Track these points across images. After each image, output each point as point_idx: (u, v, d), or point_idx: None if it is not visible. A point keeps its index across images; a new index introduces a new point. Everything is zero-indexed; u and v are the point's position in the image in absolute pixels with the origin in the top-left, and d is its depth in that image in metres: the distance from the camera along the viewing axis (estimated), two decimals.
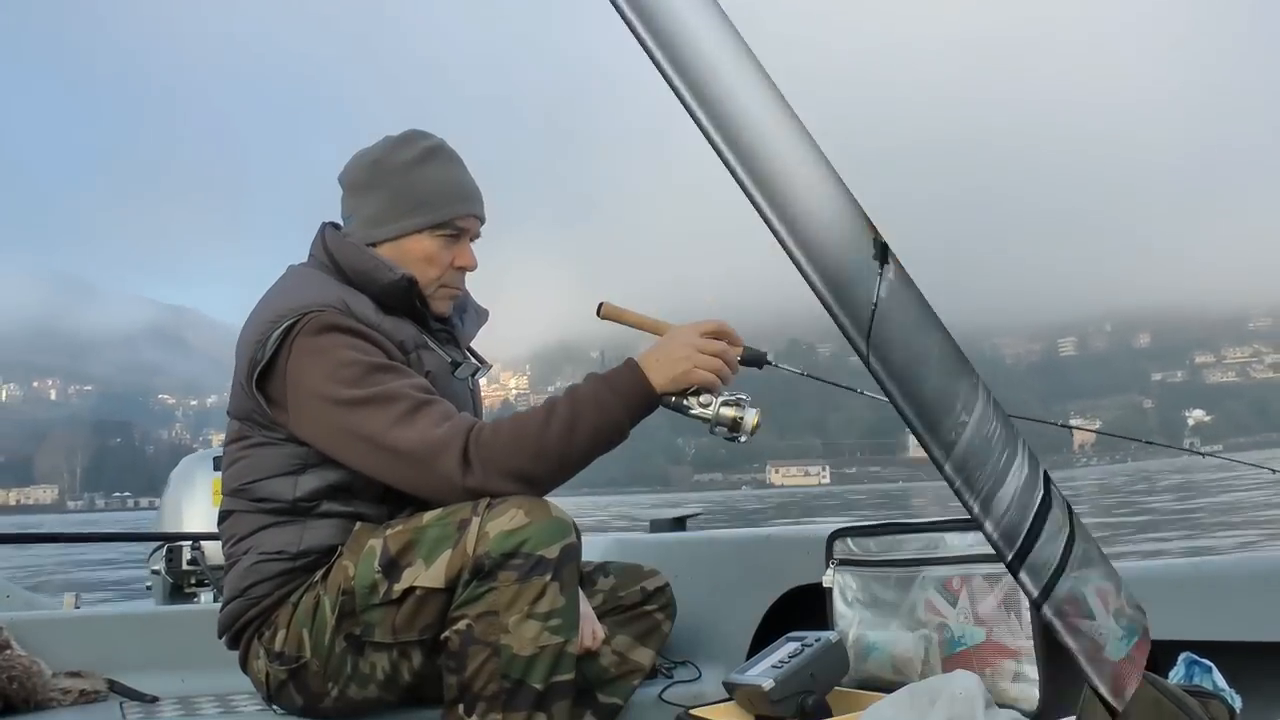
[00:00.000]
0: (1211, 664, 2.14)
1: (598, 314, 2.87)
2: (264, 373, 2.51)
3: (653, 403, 2.48)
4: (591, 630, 2.77)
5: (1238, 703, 2.03)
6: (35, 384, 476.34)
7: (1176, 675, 2.14)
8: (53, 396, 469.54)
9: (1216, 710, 1.85)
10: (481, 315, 2.95)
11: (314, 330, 2.49)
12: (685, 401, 2.49)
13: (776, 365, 2.85)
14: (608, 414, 2.43)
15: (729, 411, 2.49)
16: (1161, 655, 2.34)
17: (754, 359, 2.68)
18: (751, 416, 2.50)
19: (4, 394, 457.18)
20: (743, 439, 2.51)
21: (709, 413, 2.49)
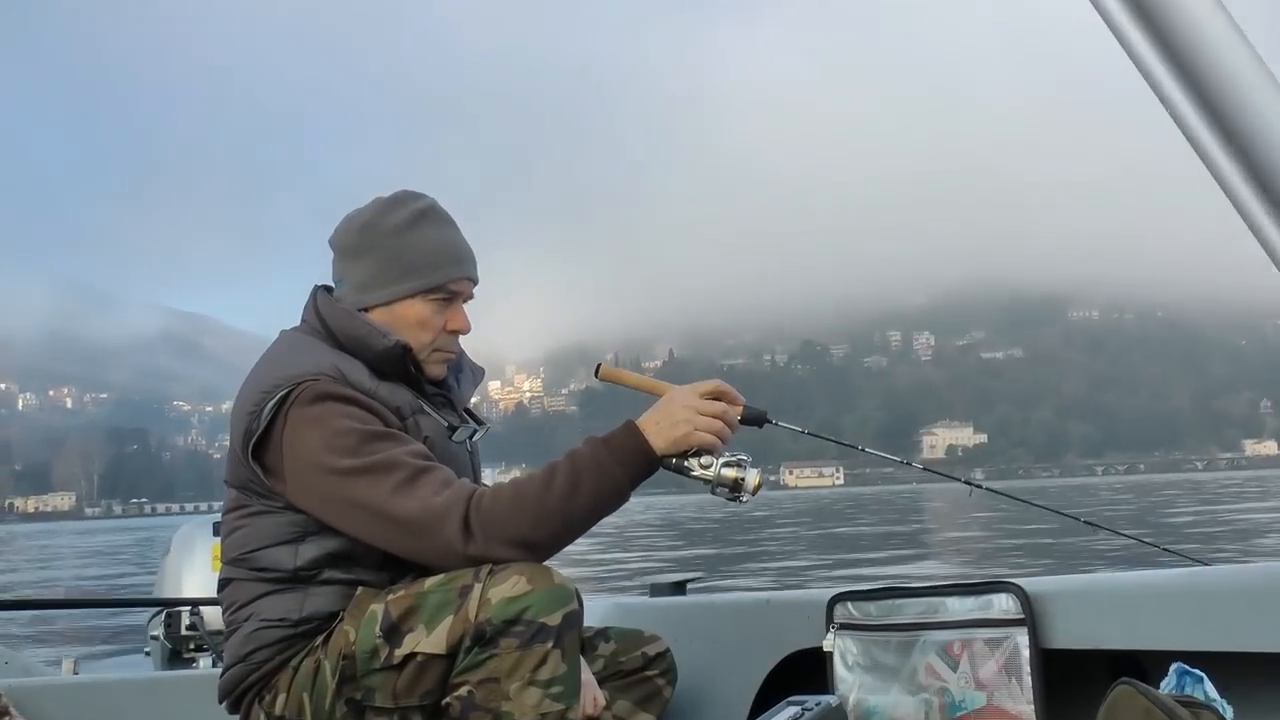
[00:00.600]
0: (1203, 674, 2.14)
1: (596, 375, 2.86)
2: (260, 442, 2.51)
3: (653, 465, 2.47)
4: (593, 697, 2.76)
5: (1229, 713, 2.04)
6: (51, 392, 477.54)
7: (1168, 685, 2.13)
8: (69, 404, 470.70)
9: None
10: (477, 374, 2.93)
11: (309, 399, 2.49)
12: (686, 463, 2.48)
13: (777, 424, 2.83)
14: (608, 478, 2.43)
15: (730, 472, 2.48)
16: (1153, 665, 2.36)
17: (754, 418, 2.68)
18: (753, 477, 2.49)
19: (21, 402, 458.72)
20: (744, 499, 2.49)
21: (710, 474, 2.48)
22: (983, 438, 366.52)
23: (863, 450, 3.42)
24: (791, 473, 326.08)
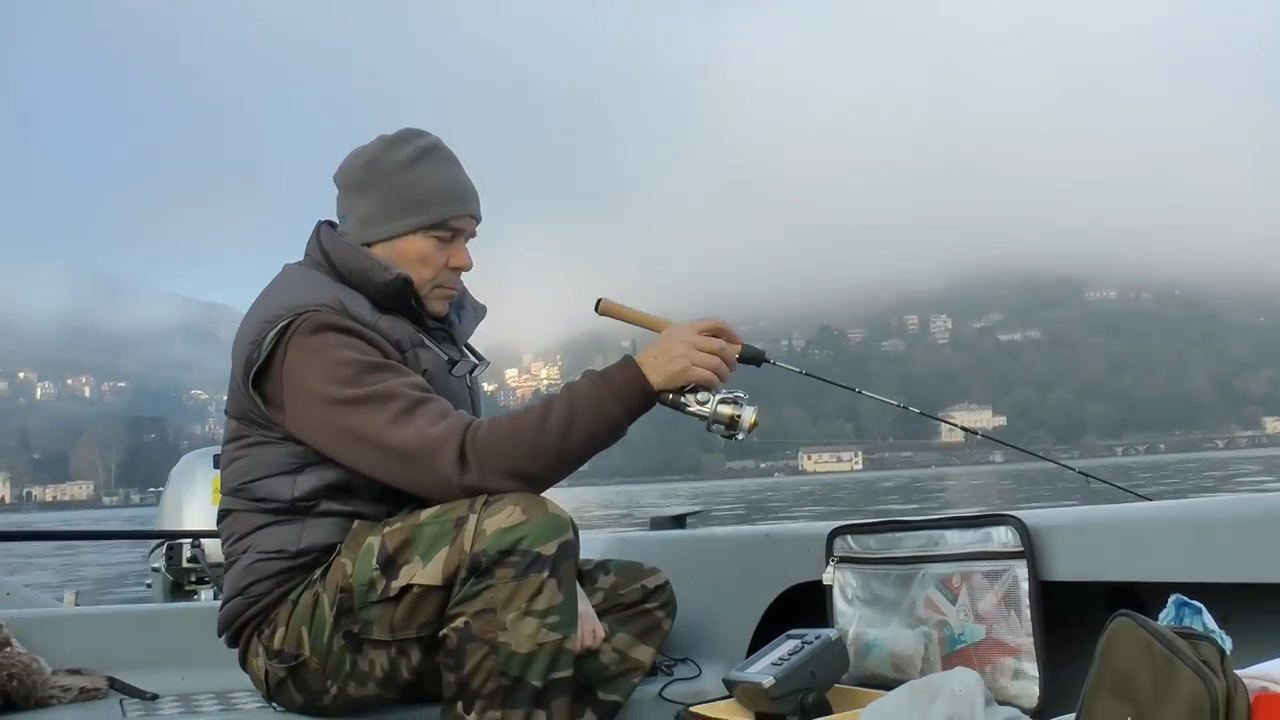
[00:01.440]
0: (1201, 605, 2.12)
1: (596, 310, 2.85)
2: (260, 372, 2.52)
3: (650, 400, 2.48)
4: (591, 629, 2.78)
5: (1228, 644, 2.00)
6: (69, 381, 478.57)
7: (1166, 617, 2.12)
8: (87, 393, 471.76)
9: (1207, 652, 1.85)
10: (479, 311, 2.94)
11: (310, 330, 2.50)
12: (683, 399, 2.49)
13: (774, 363, 2.82)
14: (605, 411, 2.44)
15: (726, 409, 2.49)
16: (1151, 597, 2.35)
17: (752, 357, 2.68)
18: (749, 414, 2.50)
19: (39, 392, 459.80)
20: (740, 436, 2.50)
21: (706, 410, 2.49)
22: (1002, 420, 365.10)
23: (859, 392, 3.42)
24: (810, 458, 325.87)
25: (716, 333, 2.54)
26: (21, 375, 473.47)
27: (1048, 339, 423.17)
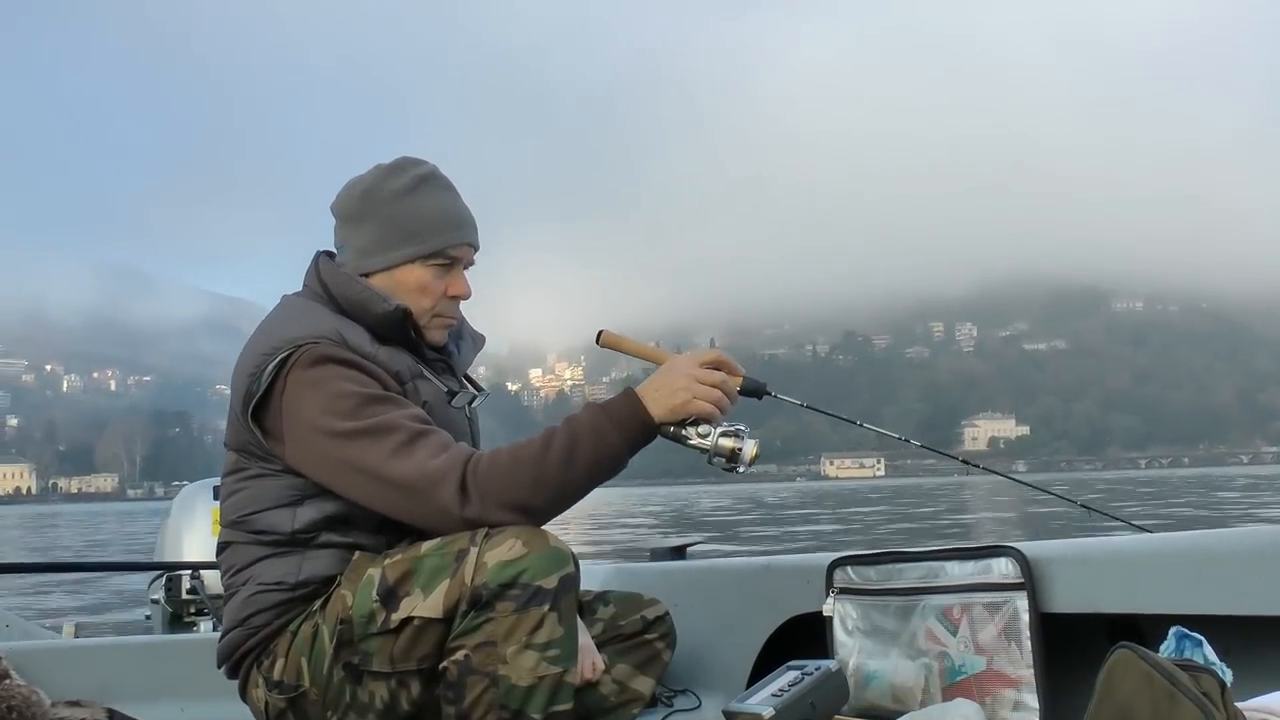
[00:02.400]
0: (1202, 638, 2.13)
1: (597, 342, 2.84)
2: (260, 405, 2.51)
3: (651, 432, 2.47)
4: (591, 662, 2.77)
5: (1229, 676, 2.02)
6: (95, 374, 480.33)
7: (1167, 649, 2.13)
8: (112, 387, 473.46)
9: (1208, 684, 1.83)
10: (478, 341, 2.93)
11: (309, 362, 2.49)
12: (684, 432, 2.48)
13: (776, 396, 2.80)
14: (605, 444, 2.42)
15: (727, 442, 2.47)
16: (1152, 629, 2.36)
17: (754, 389, 2.66)
18: (750, 447, 2.48)
19: (65, 384, 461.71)
20: (741, 470, 2.48)
21: (707, 443, 2.47)
22: (1025, 430, 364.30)
23: (860, 425, 3.46)
24: (832, 463, 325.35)
25: (718, 365, 2.53)
26: (48, 368, 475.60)
27: (1073, 349, 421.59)
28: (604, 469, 2.44)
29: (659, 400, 2.45)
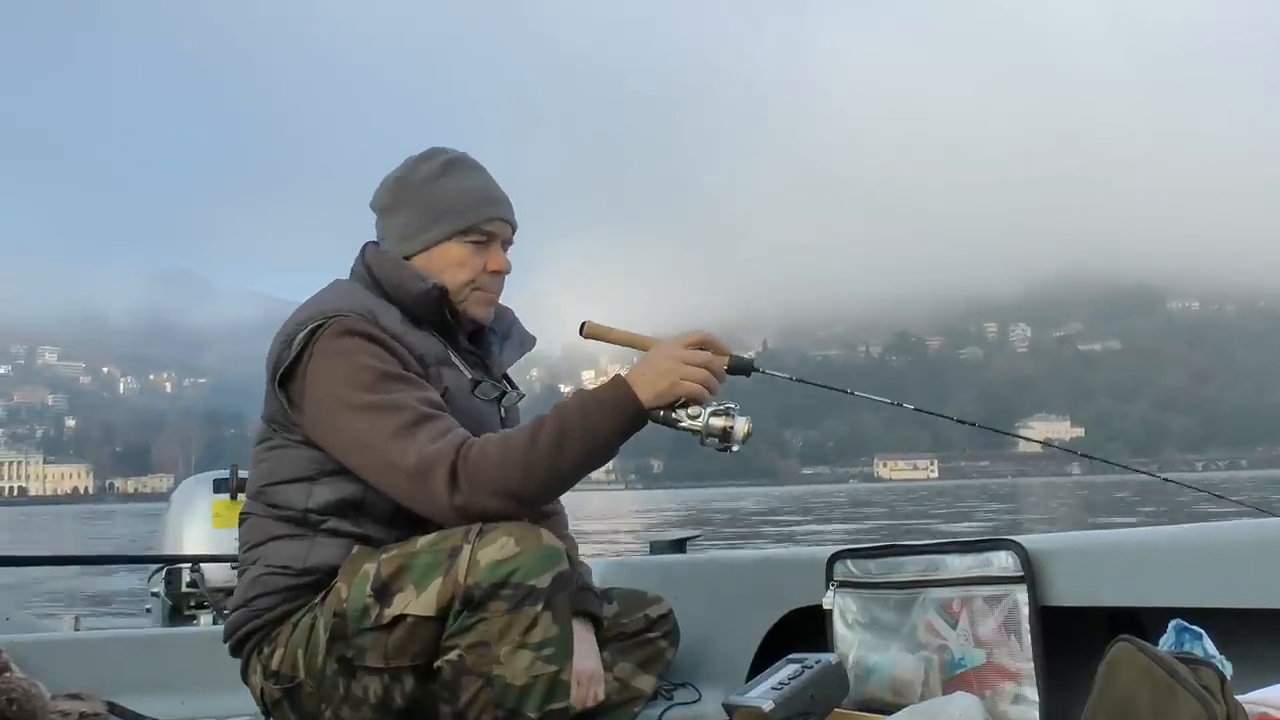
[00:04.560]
0: (1202, 631, 2.13)
1: (581, 333, 2.83)
2: (288, 374, 2.55)
3: (641, 418, 2.46)
4: (594, 692, 2.68)
5: (1229, 669, 2.02)
6: (151, 377, 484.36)
7: (1167, 642, 2.13)
8: (168, 389, 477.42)
9: (1207, 677, 1.83)
10: (527, 343, 2.94)
11: (336, 333, 2.53)
12: (674, 415, 2.46)
13: (764, 372, 2.76)
14: (595, 430, 2.42)
15: (719, 421, 2.46)
16: (1152, 622, 2.35)
17: (741, 367, 2.62)
18: (742, 424, 2.47)
19: (122, 387, 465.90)
20: (735, 448, 2.48)
21: (699, 424, 2.46)
22: (1080, 431, 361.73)
23: (851, 393, 3.33)
24: (885, 465, 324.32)
25: (703, 345, 2.52)
26: (106, 370, 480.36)
27: (1128, 349, 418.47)
28: (594, 455, 2.45)
29: (646, 384, 2.45)
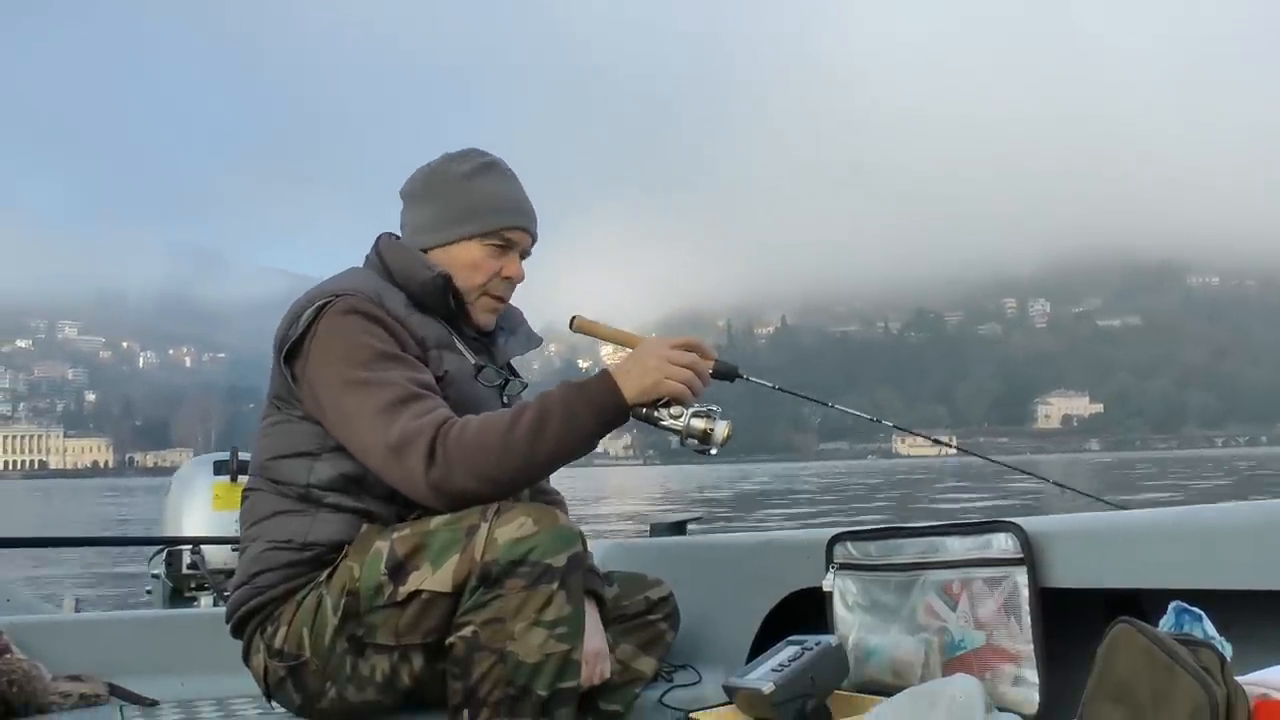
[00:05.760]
0: (1202, 612, 2.12)
1: (570, 327, 2.88)
2: (294, 350, 2.60)
3: (623, 413, 2.49)
4: (600, 670, 2.72)
5: (1228, 651, 2.01)
6: (171, 351, 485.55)
7: (1167, 624, 2.12)
8: (188, 364, 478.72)
9: (1207, 658, 1.84)
10: (533, 341, 2.96)
11: (340, 311, 2.57)
12: (656, 413, 2.50)
13: (748, 378, 2.81)
14: (575, 420, 2.45)
15: (699, 423, 2.49)
16: (1151, 604, 2.35)
17: (725, 372, 2.68)
18: (722, 428, 2.50)
19: (141, 361, 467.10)
20: (713, 451, 2.50)
21: (679, 424, 2.49)
22: (1099, 407, 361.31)
23: (832, 406, 3.44)
24: (904, 441, 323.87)
25: (689, 348, 2.55)
26: (125, 345, 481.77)
27: (1148, 325, 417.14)
28: (572, 445, 2.47)
29: (631, 380, 2.48)
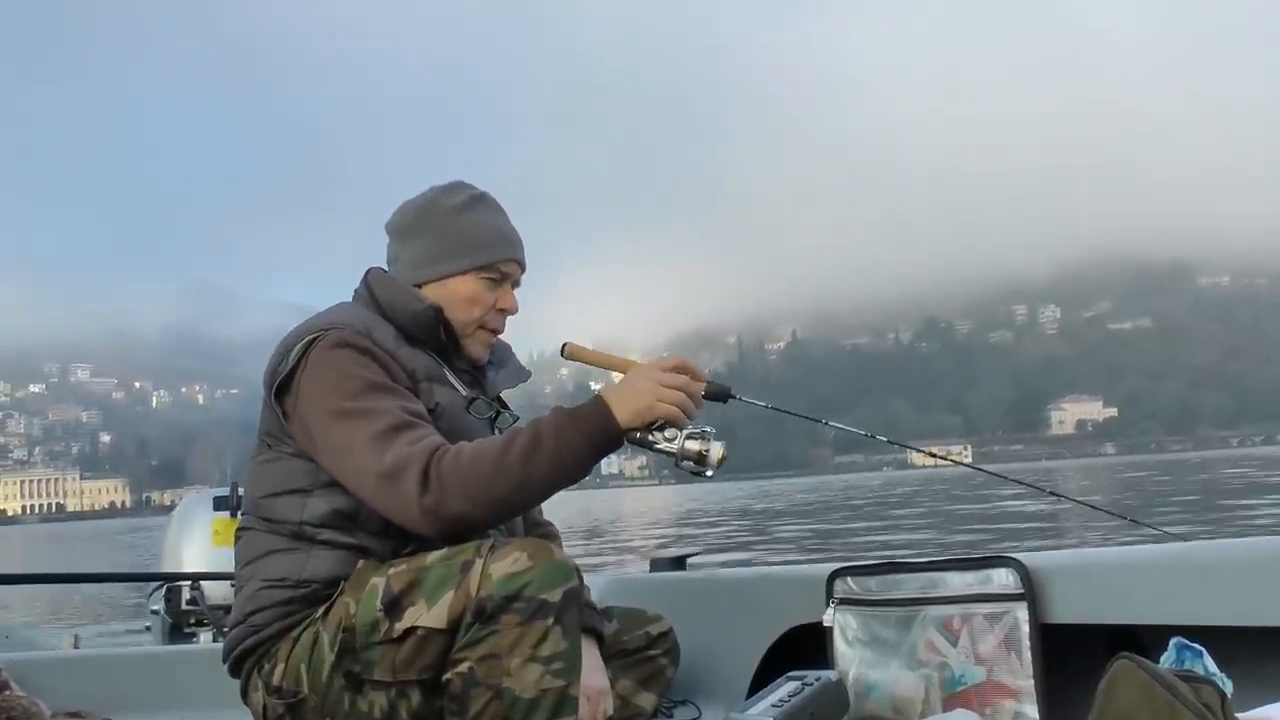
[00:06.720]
0: (1202, 649, 2.13)
1: (562, 354, 2.89)
2: (284, 386, 2.60)
3: (616, 437, 2.49)
4: (603, 708, 2.70)
5: (1229, 687, 2.02)
6: (184, 389, 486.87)
7: (1167, 660, 2.13)
8: (201, 401, 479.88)
9: (1208, 695, 1.84)
10: (522, 375, 2.98)
11: (329, 345, 2.57)
12: (650, 436, 2.49)
13: (741, 399, 2.82)
14: (569, 445, 2.45)
15: (694, 445, 2.48)
16: (1152, 640, 2.36)
17: (718, 393, 2.68)
18: (717, 449, 2.49)
19: (155, 400, 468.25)
20: (709, 473, 2.50)
21: (674, 446, 2.49)
22: (1113, 411, 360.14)
23: (825, 423, 3.44)
24: (918, 452, 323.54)
25: (680, 370, 2.56)
26: (138, 384, 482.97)
27: (1159, 327, 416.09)
28: (565, 470, 2.47)
29: (624, 404, 2.48)
